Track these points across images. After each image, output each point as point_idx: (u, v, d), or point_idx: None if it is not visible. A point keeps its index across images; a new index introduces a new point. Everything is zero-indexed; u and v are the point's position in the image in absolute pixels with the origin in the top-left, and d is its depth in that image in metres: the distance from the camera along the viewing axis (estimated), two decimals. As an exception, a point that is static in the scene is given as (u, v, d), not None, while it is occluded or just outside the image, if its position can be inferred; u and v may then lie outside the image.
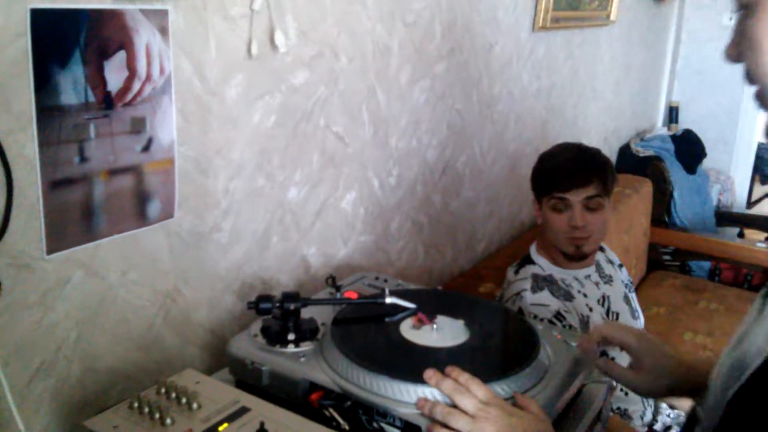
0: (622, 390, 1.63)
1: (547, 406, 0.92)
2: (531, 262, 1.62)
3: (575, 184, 1.51)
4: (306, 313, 1.05)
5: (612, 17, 2.75)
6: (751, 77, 0.68)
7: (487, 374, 0.90)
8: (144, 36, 0.97)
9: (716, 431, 0.66)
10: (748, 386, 0.64)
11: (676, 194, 3.16)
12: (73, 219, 0.95)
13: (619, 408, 1.64)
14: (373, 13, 1.44)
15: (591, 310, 1.56)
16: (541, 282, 1.55)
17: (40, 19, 0.85)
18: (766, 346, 0.64)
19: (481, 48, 1.90)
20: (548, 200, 1.55)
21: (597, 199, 1.53)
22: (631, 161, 3.19)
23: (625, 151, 3.29)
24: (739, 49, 0.69)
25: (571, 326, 1.48)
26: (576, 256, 1.57)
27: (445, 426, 0.82)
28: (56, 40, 0.88)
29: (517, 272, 1.61)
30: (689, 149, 3.45)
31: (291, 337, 1.00)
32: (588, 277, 1.63)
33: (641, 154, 3.21)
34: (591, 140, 2.86)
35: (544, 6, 2.14)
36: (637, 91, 3.46)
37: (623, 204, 2.55)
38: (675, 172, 3.21)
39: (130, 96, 0.98)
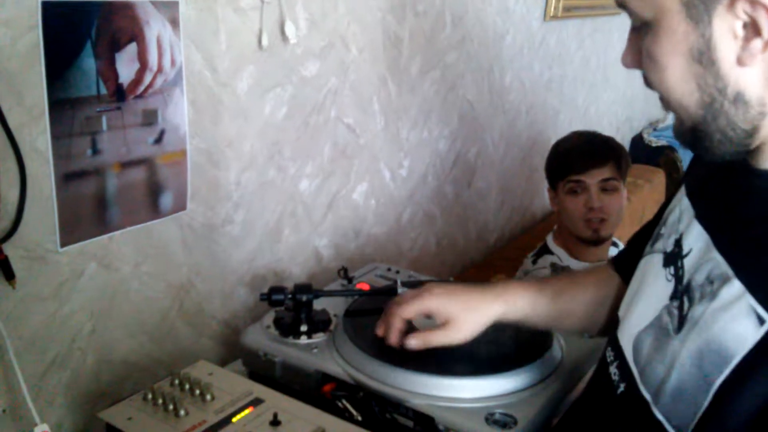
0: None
1: (559, 397, 0.91)
2: (549, 251, 1.62)
3: (591, 165, 1.54)
4: (318, 304, 1.05)
5: (624, 6, 2.72)
6: (649, 84, 0.72)
7: (498, 366, 0.90)
8: (155, 28, 0.97)
9: (705, 418, 0.64)
10: (738, 375, 0.62)
11: (689, 184, 3.13)
12: (87, 211, 0.95)
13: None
14: (383, 3, 1.43)
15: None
16: (559, 272, 1.55)
17: (51, 11, 0.85)
18: (743, 331, 0.62)
19: (492, 38, 1.88)
20: (564, 184, 1.56)
21: (612, 182, 1.56)
22: (643, 151, 3.16)
23: (637, 141, 3.27)
24: (636, 58, 0.72)
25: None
26: (593, 240, 1.57)
27: None
28: (68, 33, 0.87)
29: (535, 261, 1.61)
30: (702, 139, 3.42)
31: (303, 328, 1.00)
32: (602, 269, 1.62)
33: (654, 144, 3.19)
34: (603, 130, 2.80)
35: (556, -5, 2.13)
36: (650, 81, 3.43)
37: (636, 194, 2.53)
38: (688, 161, 3.18)
39: (141, 88, 0.98)
